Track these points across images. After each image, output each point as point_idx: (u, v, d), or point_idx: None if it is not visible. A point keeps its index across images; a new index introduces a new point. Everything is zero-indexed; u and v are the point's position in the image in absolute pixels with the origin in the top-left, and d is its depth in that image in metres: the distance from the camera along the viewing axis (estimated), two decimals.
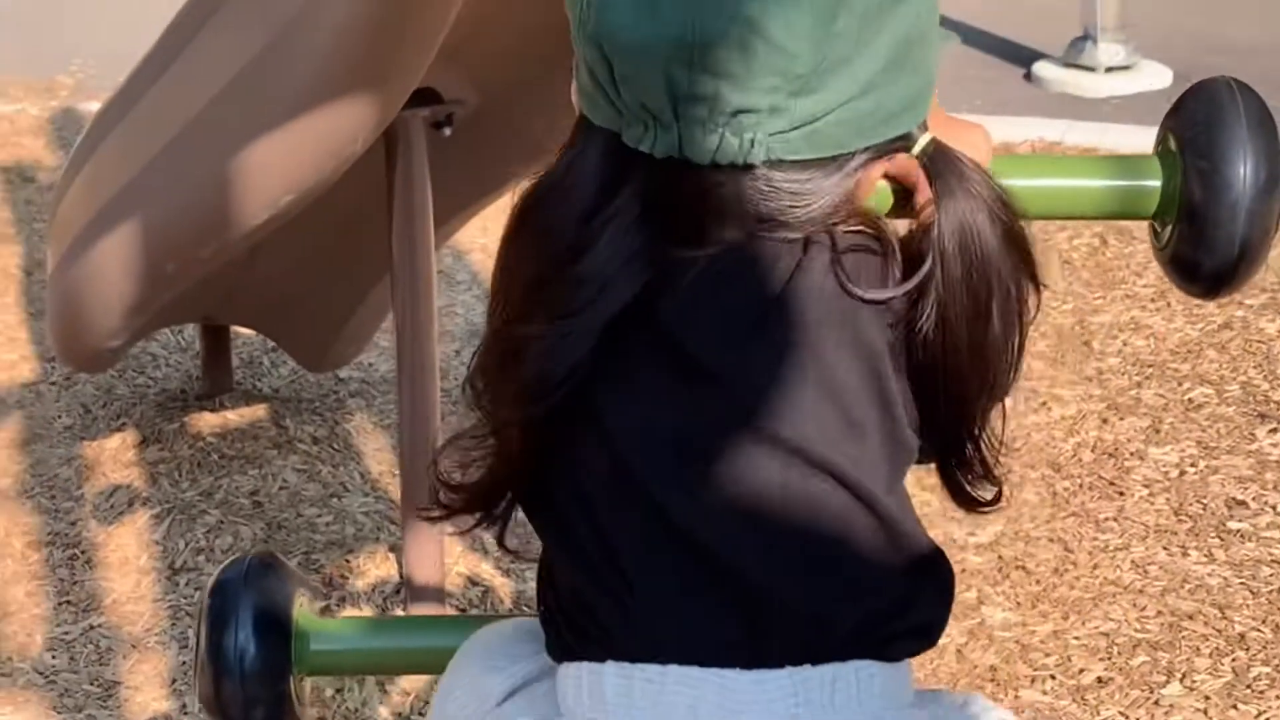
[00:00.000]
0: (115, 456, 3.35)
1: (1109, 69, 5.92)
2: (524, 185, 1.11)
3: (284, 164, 2.21)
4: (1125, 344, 3.82)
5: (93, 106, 4.96)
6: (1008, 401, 1.16)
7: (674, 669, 1.08)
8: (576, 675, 1.11)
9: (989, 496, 1.20)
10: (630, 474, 1.08)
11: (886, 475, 1.10)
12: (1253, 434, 3.39)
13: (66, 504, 3.17)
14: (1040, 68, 6.08)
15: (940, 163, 1.08)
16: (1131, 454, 3.35)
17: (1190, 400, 3.54)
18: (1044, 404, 3.57)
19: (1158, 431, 3.42)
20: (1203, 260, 1.23)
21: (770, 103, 1.00)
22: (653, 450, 1.08)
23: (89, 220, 2.55)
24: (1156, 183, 1.26)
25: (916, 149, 1.08)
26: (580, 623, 1.12)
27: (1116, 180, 1.28)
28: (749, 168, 1.03)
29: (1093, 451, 3.38)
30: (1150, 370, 3.69)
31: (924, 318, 1.07)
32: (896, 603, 1.12)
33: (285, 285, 3.10)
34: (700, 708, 1.08)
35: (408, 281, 2.60)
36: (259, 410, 3.54)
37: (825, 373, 1.06)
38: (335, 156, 2.21)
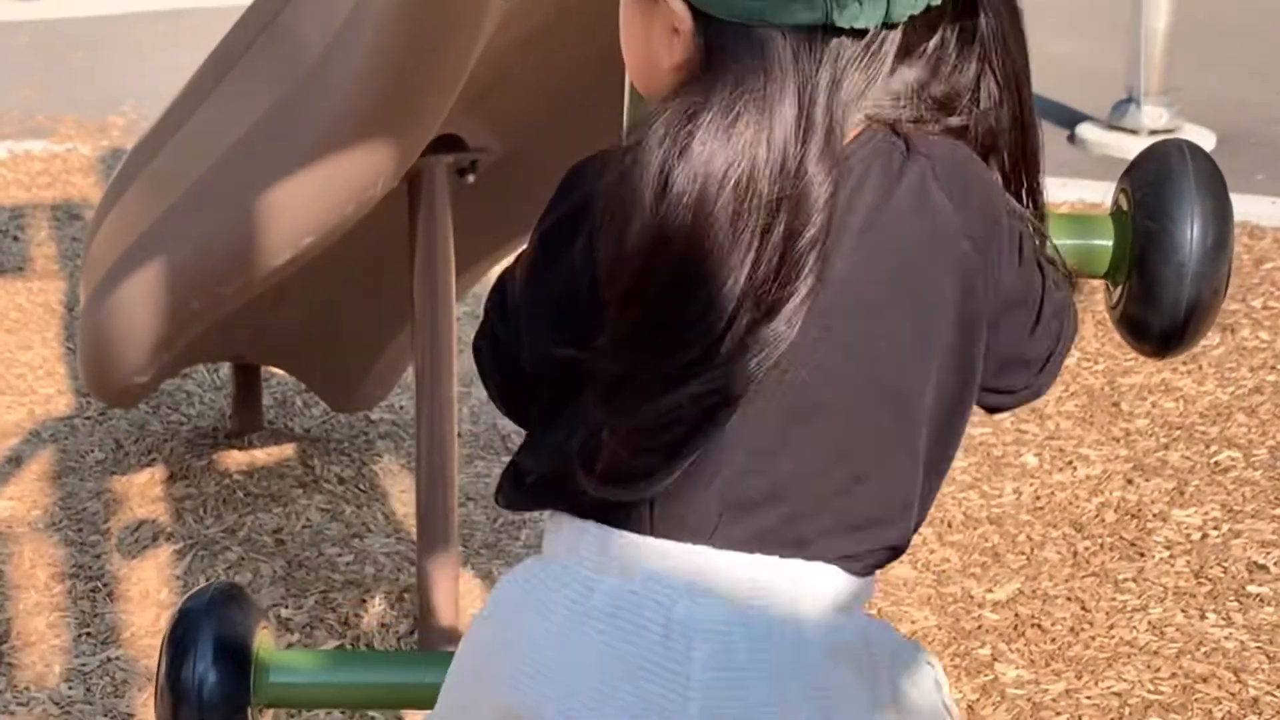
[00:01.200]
0: (143, 491, 3.39)
1: (1152, 131, 5.91)
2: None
3: (304, 206, 2.25)
4: (1154, 405, 3.81)
5: None
6: None
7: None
8: (557, 526, 1.24)
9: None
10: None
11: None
12: (1279, 498, 3.37)
13: (93, 537, 3.22)
14: (1084, 129, 6.09)
15: None
16: (1154, 515, 3.34)
17: (1217, 463, 3.53)
18: (1070, 463, 3.56)
19: (1182, 494, 3.41)
20: (1151, 320, 1.24)
21: None
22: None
23: (118, 258, 2.60)
24: (1108, 242, 1.28)
25: None
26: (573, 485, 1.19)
27: (1069, 239, 1.30)
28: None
29: (1116, 512, 3.36)
30: (1178, 432, 3.67)
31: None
32: (886, 523, 1.20)
33: (311, 326, 3.14)
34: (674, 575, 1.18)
35: (428, 327, 2.63)
36: (287, 449, 3.58)
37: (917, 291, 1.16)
38: (355, 200, 2.25)
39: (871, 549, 1.20)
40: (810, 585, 1.18)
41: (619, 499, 1.17)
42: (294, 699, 1.48)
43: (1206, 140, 5.90)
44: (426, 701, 1.29)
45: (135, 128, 5.97)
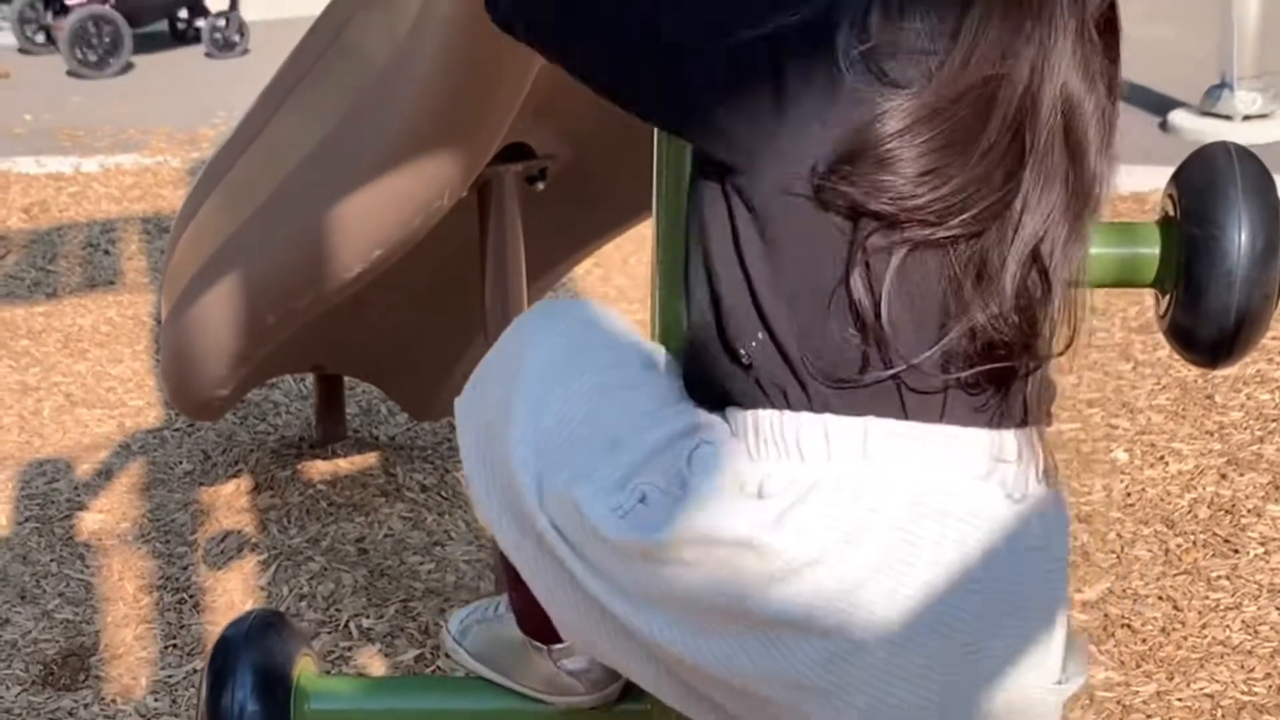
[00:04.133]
0: (229, 502, 3.42)
1: (1246, 117, 5.80)
2: None
3: (372, 219, 2.25)
4: (1249, 398, 3.73)
5: None
6: None
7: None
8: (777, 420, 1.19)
9: None
10: None
11: None
12: None
13: (180, 549, 3.25)
14: (1176, 116, 5.98)
15: None
16: (1249, 511, 3.26)
17: None
18: (1161, 458, 3.49)
19: (1278, 488, 3.33)
20: (1200, 330, 1.20)
21: None
22: None
23: (195, 273, 2.62)
24: (1155, 250, 1.24)
25: None
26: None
27: (1115, 248, 1.26)
28: None
29: (1209, 508, 3.29)
30: (1273, 425, 3.59)
31: None
32: None
33: (389, 336, 3.16)
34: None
35: (501, 334, 2.63)
36: (370, 458, 3.60)
37: None
38: (422, 212, 2.25)
39: None
40: None
41: None
42: None
43: None
44: None
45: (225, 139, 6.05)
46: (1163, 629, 2.89)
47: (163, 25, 8.48)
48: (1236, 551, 3.11)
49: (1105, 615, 2.93)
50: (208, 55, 8.09)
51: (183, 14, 8.44)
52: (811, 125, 1.12)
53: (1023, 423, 1.19)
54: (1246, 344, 1.20)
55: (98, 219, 5.36)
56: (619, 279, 4.57)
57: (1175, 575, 3.05)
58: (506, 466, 1.29)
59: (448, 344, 3.18)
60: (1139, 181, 5.27)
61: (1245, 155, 1.20)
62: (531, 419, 1.27)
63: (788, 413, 1.17)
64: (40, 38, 8.53)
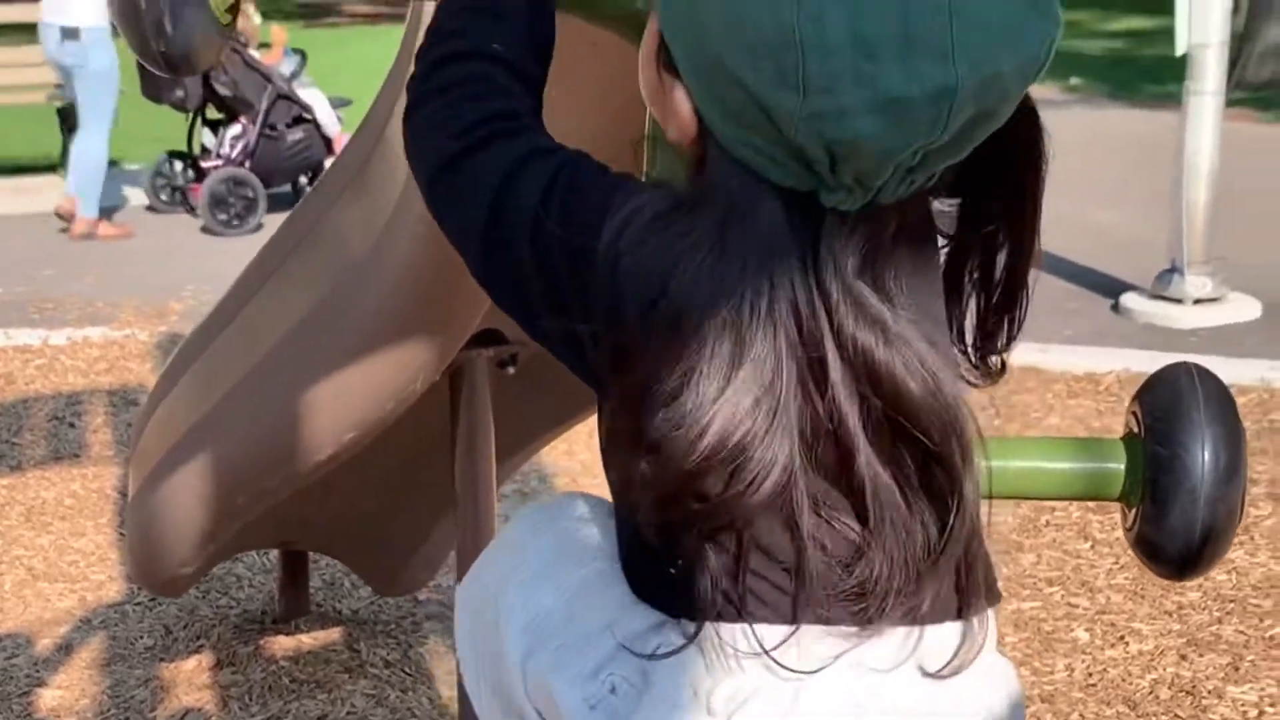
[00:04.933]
0: (190, 679, 3.40)
1: (1197, 300, 5.93)
2: None
3: (347, 403, 2.30)
4: (1207, 578, 3.77)
5: None
6: None
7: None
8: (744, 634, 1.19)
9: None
10: None
11: None
12: None
13: None
14: (1128, 299, 6.12)
15: None
16: (1210, 692, 3.29)
17: (1272, 638, 3.48)
18: (1122, 638, 3.52)
19: (1237, 669, 3.36)
20: (1165, 544, 1.25)
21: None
22: None
23: (166, 452, 2.65)
24: (1121, 466, 1.29)
25: None
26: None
27: (1082, 463, 1.31)
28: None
29: (1170, 689, 3.32)
30: (1231, 605, 3.63)
31: None
32: None
33: (357, 515, 3.18)
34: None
35: (470, 515, 2.66)
36: (334, 633, 3.59)
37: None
38: (396, 396, 2.29)
39: None
40: None
41: None
42: None
43: (1252, 309, 5.91)
44: None
45: (193, 313, 6.09)
46: None
47: (286, 188, 8.71)
48: None
49: None
50: None
51: (304, 180, 8.65)
52: None
53: (959, 613, 1.22)
54: (1212, 559, 1.25)
55: (64, 392, 5.38)
56: (583, 453, 4.60)
57: None
58: (500, 657, 1.32)
59: (415, 522, 3.20)
60: (1094, 363, 5.39)
61: (1208, 377, 1.26)
62: (524, 611, 1.31)
63: (723, 625, 1.20)
64: (166, 195, 8.75)
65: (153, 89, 8.13)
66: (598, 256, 1.18)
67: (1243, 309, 5.92)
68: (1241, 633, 3.51)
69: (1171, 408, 1.24)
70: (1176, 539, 1.25)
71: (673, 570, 1.19)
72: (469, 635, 1.42)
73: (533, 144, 1.28)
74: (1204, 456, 1.23)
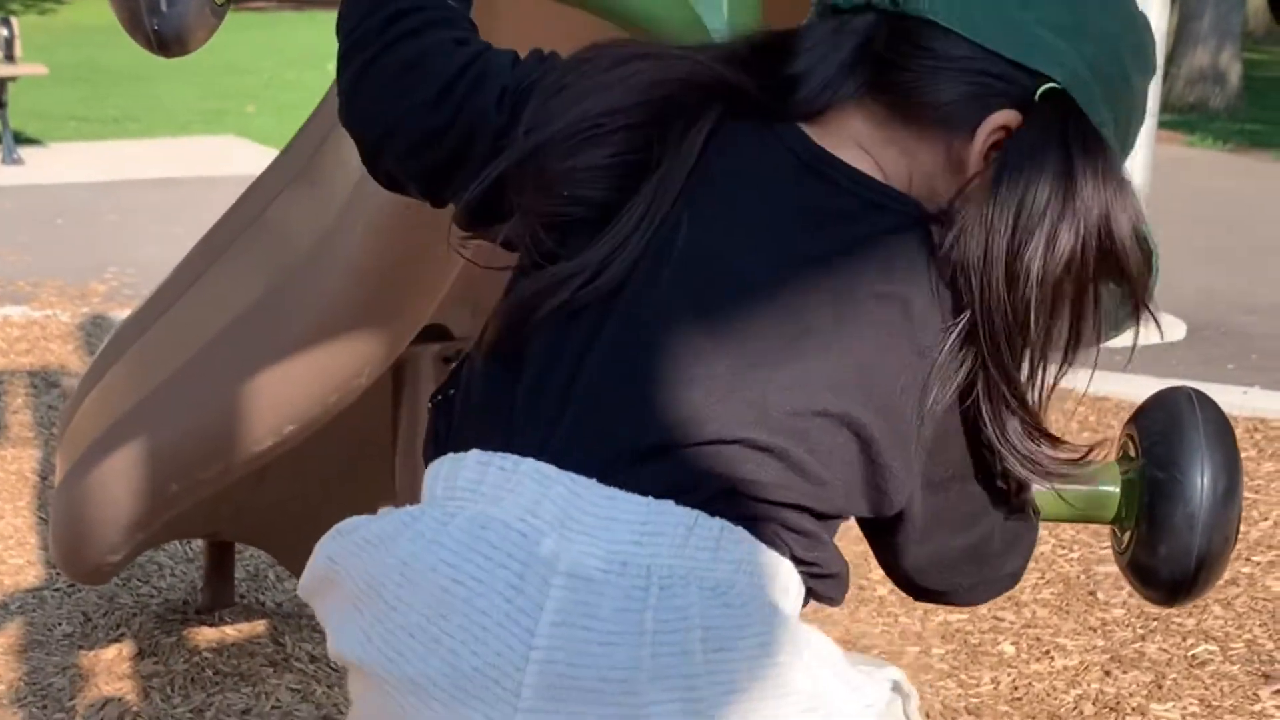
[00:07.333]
0: (110, 668, 3.34)
1: None
2: None
3: (289, 395, 2.26)
4: (1131, 595, 3.80)
5: (122, 314, 5.06)
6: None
7: (529, 462, 1.09)
8: (438, 464, 1.18)
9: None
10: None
11: None
12: (1256, 694, 3.35)
13: (57, 715, 3.16)
14: None
15: None
16: (1133, 709, 3.31)
17: (1194, 656, 3.51)
18: (1047, 653, 3.54)
19: (1160, 687, 3.39)
20: (1160, 569, 1.25)
21: None
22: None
23: (99, 436, 2.60)
24: (1115, 489, 1.28)
25: None
26: (468, 419, 1.18)
27: (1076, 485, 1.31)
28: None
29: (1094, 704, 3.34)
30: (1155, 624, 3.66)
31: None
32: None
33: (292, 506, 3.13)
34: (542, 505, 1.08)
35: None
36: (258, 626, 3.54)
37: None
38: (339, 390, 2.26)
39: None
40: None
41: None
42: None
43: (1177, 330, 5.98)
44: None
45: (116, 294, 6.00)
46: None
47: None
48: None
49: None
50: None
51: None
52: None
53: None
54: (1205, 584, 1.25)
55: None
56: None
57: None
58: None
59: (350, 515, 3.15)
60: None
61: (1207, 402, 1.26)
62: None
63: None
64: None
65: None
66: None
67: (1168, 330, 6.00)
68: (1165, 650, 3.54)
69: (1171, 432, 1.24)
70: (1172, 564, 1.25)
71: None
72: None
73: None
74: (1203, 482, 1.23)
